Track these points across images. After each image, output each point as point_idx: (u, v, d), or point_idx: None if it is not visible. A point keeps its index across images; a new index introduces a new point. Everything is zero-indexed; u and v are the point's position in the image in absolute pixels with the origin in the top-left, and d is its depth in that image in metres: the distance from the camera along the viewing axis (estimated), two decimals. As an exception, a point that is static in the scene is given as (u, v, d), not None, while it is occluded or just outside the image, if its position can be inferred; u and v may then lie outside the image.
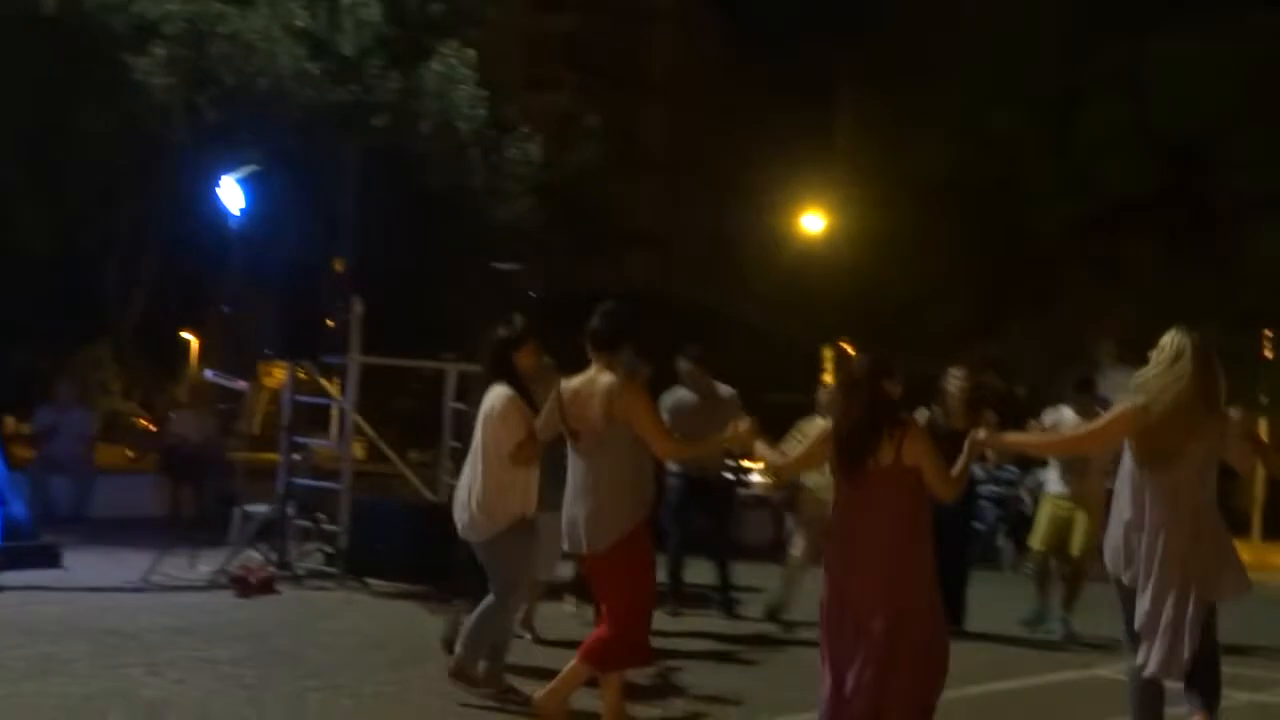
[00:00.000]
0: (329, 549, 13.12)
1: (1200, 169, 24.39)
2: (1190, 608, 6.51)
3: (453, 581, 8.86)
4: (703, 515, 12.47)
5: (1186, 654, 6.51)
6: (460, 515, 7.90)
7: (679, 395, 12.03)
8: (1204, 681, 6.65)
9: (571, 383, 7.12)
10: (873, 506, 6.49)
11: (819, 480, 11.63)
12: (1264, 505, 25.84)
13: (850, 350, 30.32)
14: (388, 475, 15.84)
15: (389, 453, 14.06)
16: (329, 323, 13.41)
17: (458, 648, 7.87)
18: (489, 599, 7.80)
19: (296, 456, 13.67)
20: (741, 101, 28.36)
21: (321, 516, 13.43)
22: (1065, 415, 11.44)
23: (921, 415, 10.89)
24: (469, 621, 7.87)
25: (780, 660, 10.18)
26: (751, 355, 25.55)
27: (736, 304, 27.44)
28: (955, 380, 11.16)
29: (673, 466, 10.15)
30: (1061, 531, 11.76)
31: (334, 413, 15.26)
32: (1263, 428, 24.18)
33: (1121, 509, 6.68)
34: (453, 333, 10.86)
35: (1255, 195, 24.19)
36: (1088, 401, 11.34)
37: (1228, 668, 10.02)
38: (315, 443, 15.19)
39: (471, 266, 17.12)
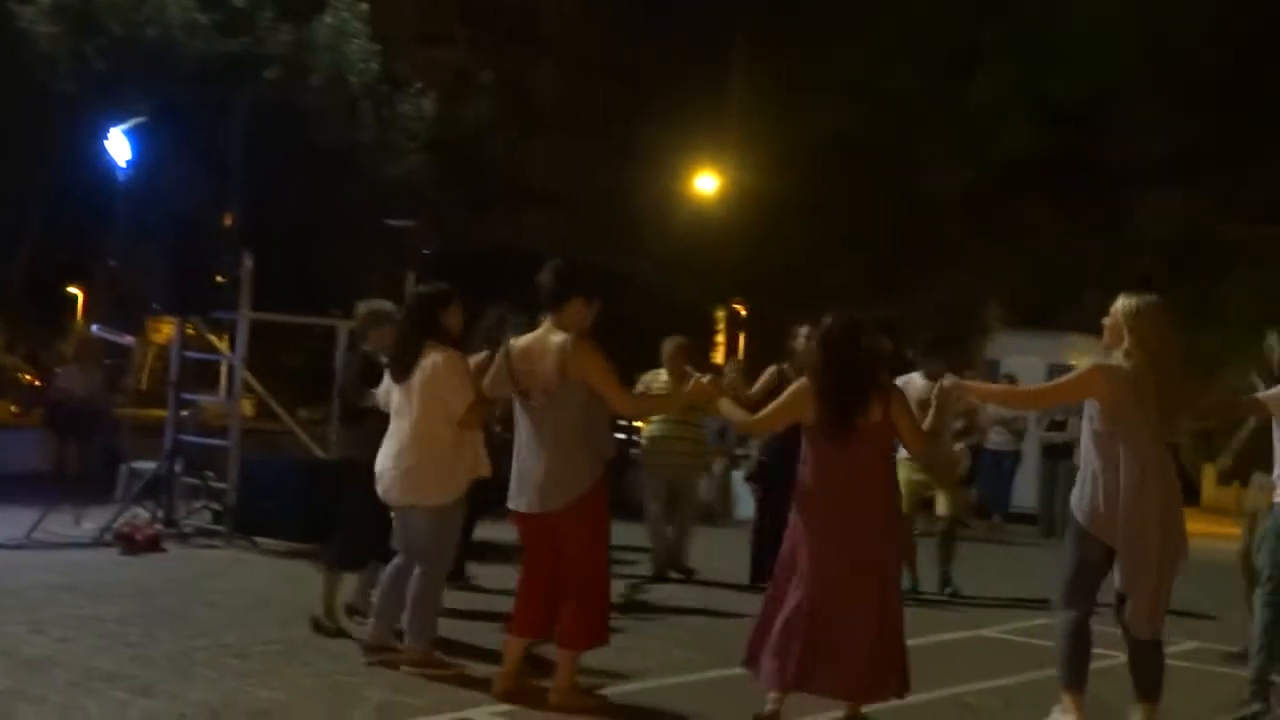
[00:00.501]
0: (217, 507, 12.98)
1: (1093, 133, 24.73)
2: (1169, 568, 6.69)
3: (339, 547, 8.60)
4: None
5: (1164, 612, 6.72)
6: (397, 483, 7.58)
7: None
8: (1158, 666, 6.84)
9: (521, 341, 7.02)
10: (861, 465, 6.72)
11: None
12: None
13: (742, 310, 30.48)
14: (277, 433, 15.70)
15: (279, 410, 13.93)
16: (218, 278, 13.25)
17: (407, 638, 7.57)
18: (419, 573, 7.55)
19: (184, 413, 13.52)
20: (637, 60, 28.25)
21: (209, 474, 13.30)
22: (914, 380, 11.28)
23: (770, 372, 11.16)
24: (408, 610, 7.57)
25: (668, 621, 10.25)
26: (646, 316, 25.54)
27: (632, 264, 27.39)
28: (801, 338, 11.45)
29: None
30: (920, 494, 11.82)
31: (223, 369, 15.08)
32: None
33: (1094, 468, 6.76)
34: (343, 289, 10.74)
35: (1147, 161, 24.57)
36: (936, 364, 11.26)
37: (1054, 619, 10.34)
38: (204, 399, 15.02)
39: (363, 222, 16.97)
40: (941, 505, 12.06)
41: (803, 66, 26.41)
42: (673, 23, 28.29)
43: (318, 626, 8.35)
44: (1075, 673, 6.90)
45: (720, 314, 30.85)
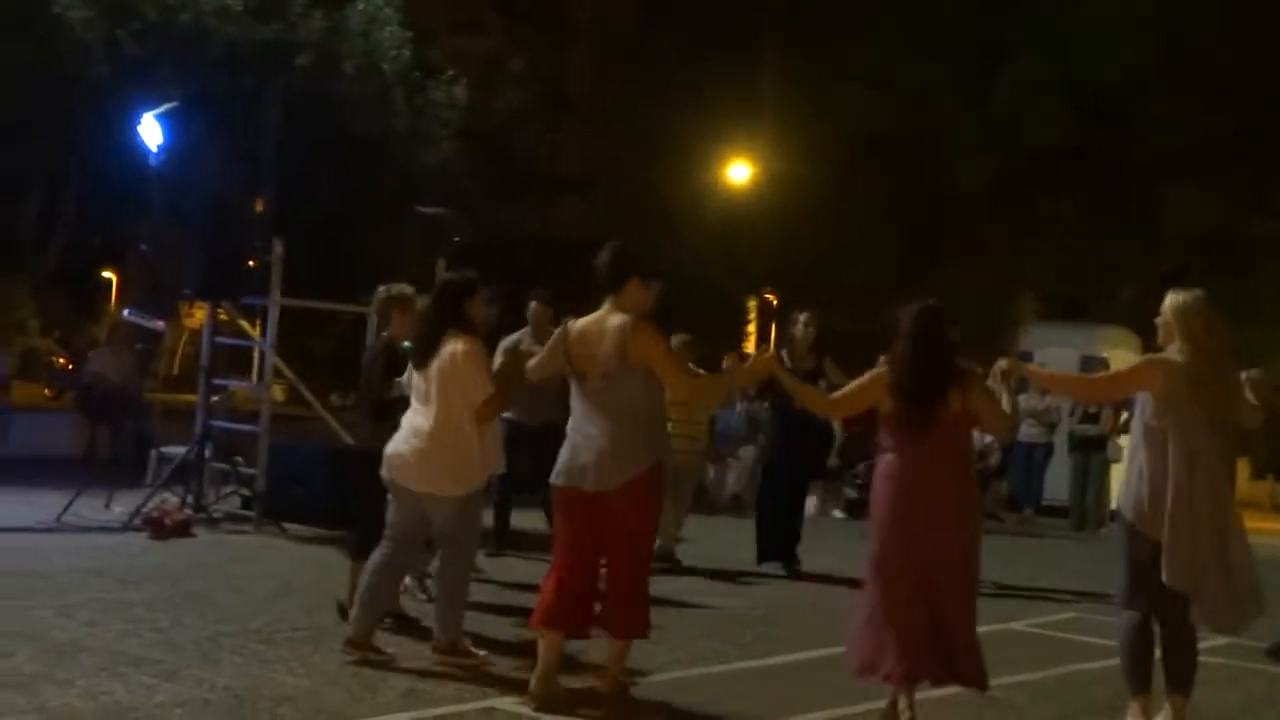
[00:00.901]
0: (246, 492, 13.03)
1: (1122, 126, 24.60)
2: (1230, 562, 6.69)
3: (361, 537, 8.37)
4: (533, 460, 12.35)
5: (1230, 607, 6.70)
6: (413, 470, 7.46)
7: (514, 339, 11.33)
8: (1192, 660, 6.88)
9: (578, 323, 6.99)
10: (943, 456, 6.72)
11: None
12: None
13: (773, 300, 30.40)
14: (307, 419, 15.73)
15: (309, 396, 13.95)
16: (249, 263, 13.28)
17: (436, 627, 7.53)
18: (445, 563, 7.52)
19: (215, 398, 13.56)
20: (669, 49, 28.20)
21: (239, 459, 13.35)
22: None
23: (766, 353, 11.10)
24: (438, 604, 7.57)
25: (685, 612, 10.24)
26: (678, 305, 25.49)
27: (663, 253, 27.36)
28: (800, 325, 11.86)
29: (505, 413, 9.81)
30: None
31: (254, 355, 15.12)
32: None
33: (1141, 463, 6.80)
34: (375, 276, 10.72)
35: (1175, 153, 24.42)
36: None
37: (1084, 614, 10.24)
38: (234, 384, 15.06)
39: (395, 209, 16.98)
40: None
41: (832, 57, 26.32)
42: (705, 11, 28.21)
43: (344, 613, 8.30)
44: (1138, 675, 6.88)
45: (752, 303, 30.78)
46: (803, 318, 11.87)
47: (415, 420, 7.56)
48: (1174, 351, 6.78)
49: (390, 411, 8.26)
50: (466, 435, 7.40)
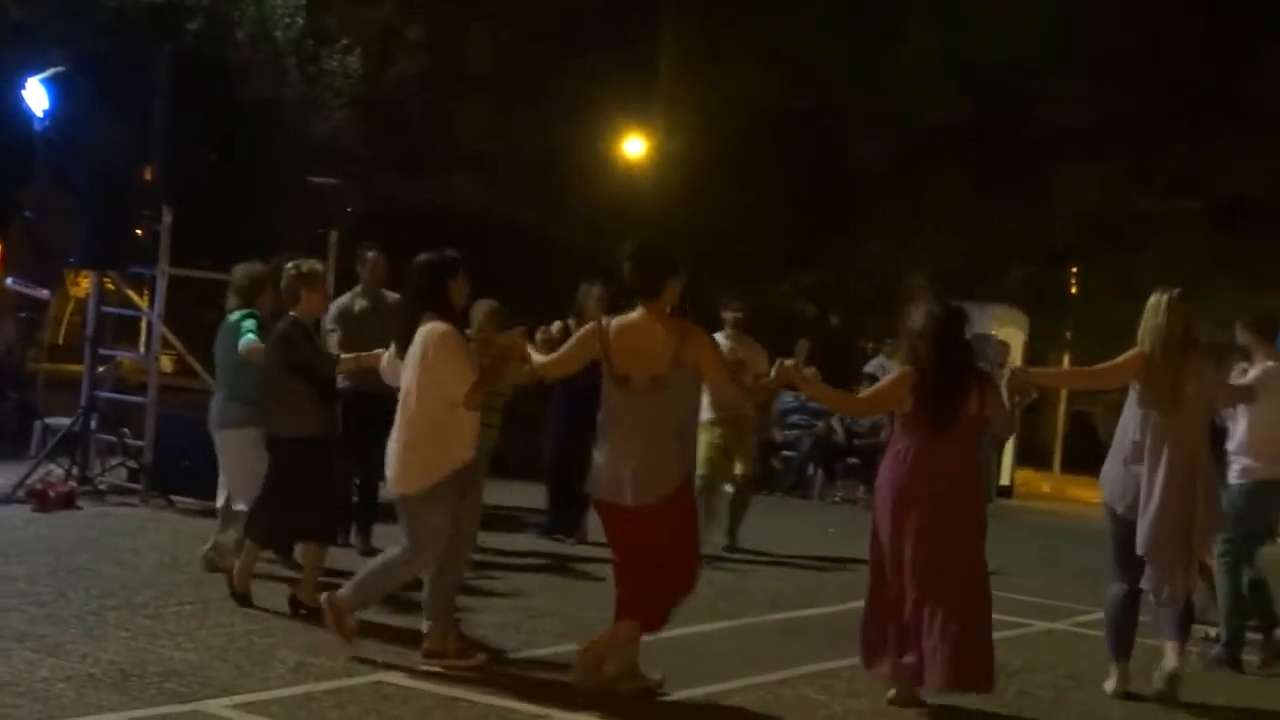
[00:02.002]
0: (133, 464, 12.85)
1: (1012, 104, 24.89)
2: (1189, 541, 7.35)
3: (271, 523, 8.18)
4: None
5: (1186, 584, 7.37)
6: (390, 466, 7.15)
7: (345, 301, 11.03)
8: (1183, 614, 7.54)
9: (619, 322, 6.71)
10: (956, 456, 6.89)
11: None
12: (1064, 438, 26.67)
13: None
14: (196, 390, 15.51)
15: (198, 367, 13.75)
16: (137, 232, 13.07)
17: (348, 590, 7.13)
18: (398, 552, 7.13)
19: (101, 369, 13.34)
20: (568, 21, 28.06)
21: (125, 431, 13.16)
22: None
23: (557, 326, 11.08)
24: (367, 571, 7.26)
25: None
26: (572, 279, 25.47)
27: (559, 226, 27.25)
28: (593, 298, 11.83)
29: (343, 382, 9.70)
30: (720, 458, 11.71)
31: (142, 325, 14.89)
32: (1066, 361, 24.95)
33: (1123, 446, 7.40)
34: (266, 246, 10.59)
35: (1064, 133, 24.77)
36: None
37: (1025, 596, 10.42)
38: (121, 355, 14.83)
39: (286, 179, 16.76)
40: (738, 466, 12.14)
41: (729, 33, 26.36)
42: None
43: (240, 597, 8.12)
44: (1121, 641, 7.54)
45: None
46: (595, 290, 11.73)
47: (401, 419, 7.12)
48: (1157, 344, 7.33)
49: (330, 393, 8.14)
50: (434, 424, 6.99)
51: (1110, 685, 7.54)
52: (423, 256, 7.19)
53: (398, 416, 7.12)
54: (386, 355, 7.48)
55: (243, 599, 8.10)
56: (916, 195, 25.92)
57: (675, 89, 28.08)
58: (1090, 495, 16.95)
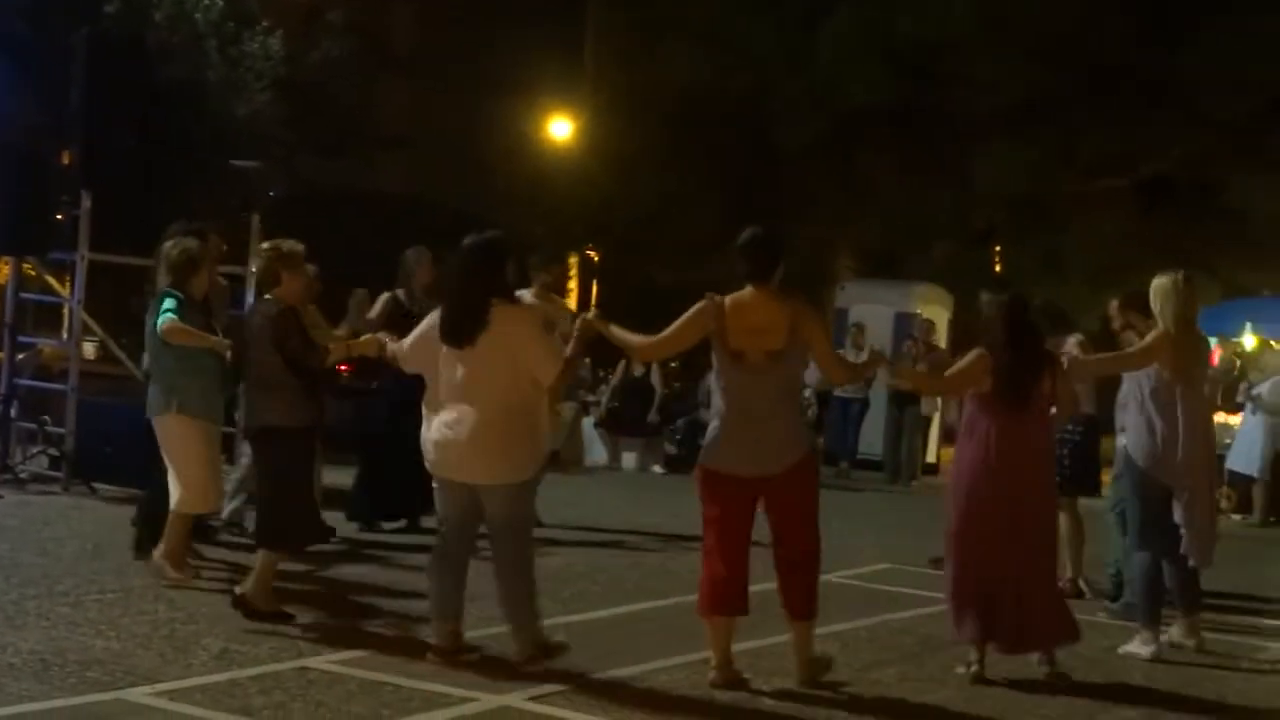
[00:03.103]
0: (54, 452, 12.71)
1: (938, 85, 25.02)
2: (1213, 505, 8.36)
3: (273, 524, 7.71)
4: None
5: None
6: (476, 461, 6.77)
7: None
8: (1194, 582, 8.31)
9: (732, 300, 6.81)
10: (1033, 435, 7.43)
11: None
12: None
13: (595, 256, 30.41)
14: (119, 377, 15.36)
15: (120, 354, 13.62)
16: (57, 217, 12.91)
17: (517, 634, 6.91)
18: (513, 553, 6.90)
19: (21, 356, 13.19)
20: (493, 3, 27.95)
21: (46, 419, 13.01)
22: None
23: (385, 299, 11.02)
24: (507, 607, 6.96)
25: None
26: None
27: (485, 208, 27.19)
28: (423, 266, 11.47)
29: None
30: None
31: (65, 311, 14.73)
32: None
33: (1149, 419, 8.07)
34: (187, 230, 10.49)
35: (989, 113, 24.93)
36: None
37: (896, 565, 10.53)
38: (42, 342, 14.65)
39: (207, 163, 16.61)
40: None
41: (657, 14, 26.35)
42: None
43: (250, 612, 7.45)
44: (1152, 610, 8.10)
45: (573, 260, 30.78)
46: (424, 257, 11.42)
47: (460, 407, 6.79)
48: (1170, 326, 7.99)
49: (313, 380, 7.75)
50: (531, 413, 6.84)
51: (1150, 650, 8.04)
52: (474, 239, 6.91)
53: (457, 411, 6.79)
54: (407, 341, 7.15)
55: (279, 616, 7.50)
56: (844, 176, 26.04)
57: (602, 70, 28.09)
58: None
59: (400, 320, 9.86)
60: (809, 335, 6.84)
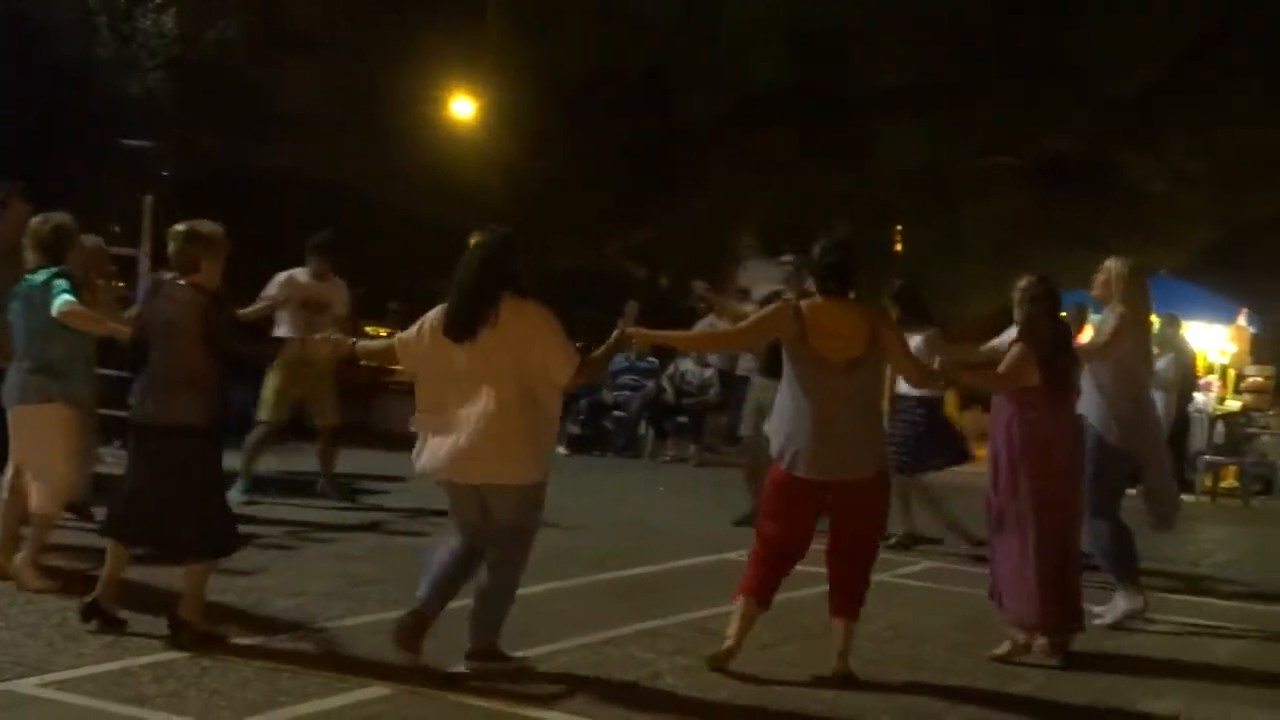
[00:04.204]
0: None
1: (839, 64, 25.12)
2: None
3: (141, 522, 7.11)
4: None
5: None
6: (482, 461, 6.51)
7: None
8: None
9: (810, 305, 6.91)
10: (1068, 412, 7.77)
11: None
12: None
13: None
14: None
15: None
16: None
17: (474, 636, 6.59)
18: (505, 558, 6.63)
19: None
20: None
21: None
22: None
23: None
24: (483, 600, 6.64)
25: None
26: (400, 242, 25.26)
27: (387, 189, 26.94)
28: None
29: None
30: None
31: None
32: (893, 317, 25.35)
33: (1123, 394, 8.62)
34: (81, 210, 10.25)
35: (887, 92, 25.08)
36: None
37: None
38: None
39: (99, 142, 16.31)
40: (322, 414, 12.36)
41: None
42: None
43: (94, 614, 7.01)
44: (1128, 564, 8.68)
45: (475, 240, 30.58)
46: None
47: (465, 407, 6.52)
48: (1123, 309, 8.52)
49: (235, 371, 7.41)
50: (540, 412, 6.60)
51: (1139, 602, 8.60)
52: (486, 234, 6.73)
53: (460, 407, 6.53)
54: (408, 337, 6.78)
55: (113, 620, 7.00)
56: (745, 155, 26.09)
57: (504, 49, 27.89)
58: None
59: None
60: (889, 342, 6.97)
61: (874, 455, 6.94)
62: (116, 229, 9.95)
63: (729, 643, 6.93)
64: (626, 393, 18.95)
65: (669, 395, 18.56)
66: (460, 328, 6.51)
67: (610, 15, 25.59)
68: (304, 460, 12.91)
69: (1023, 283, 7.80)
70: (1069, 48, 25.18)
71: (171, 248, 7.14)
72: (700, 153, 26.23)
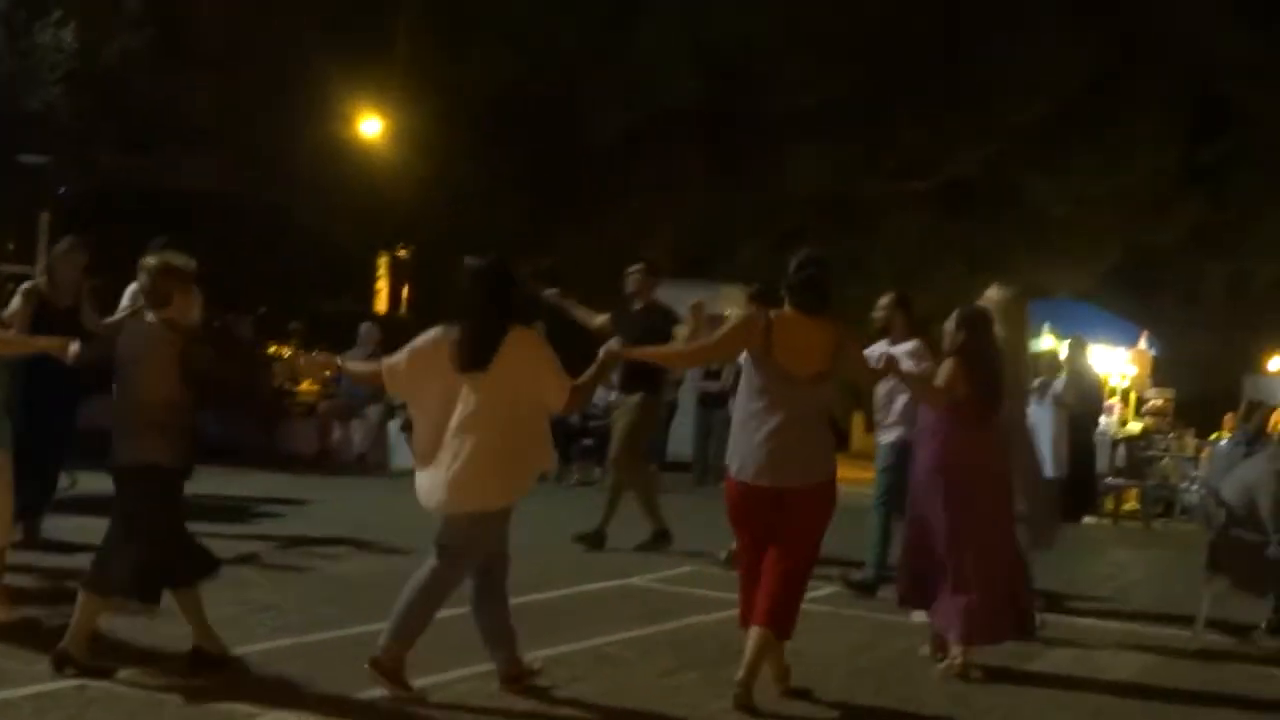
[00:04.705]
0: None
1: (746, 85, 25.22)
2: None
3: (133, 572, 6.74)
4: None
5: None
6: (477, 487, 6.49)
7: None
8: None
9: (779, 317, 6.97)
10: (996, 429, 7.99)
11: None
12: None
13: (405, 256, 30.03)
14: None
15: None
16: None
17: (389, 637, 6.56)
18: (434, 568, 6.58)
19: None
20: (302, -1, 27.42)
21: None
22: None
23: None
24: (404, 606, 6.61)
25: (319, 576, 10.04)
26: (307, 261, 25.03)
27: (294, 208, 26.69)
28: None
29: None
30: None
31: None
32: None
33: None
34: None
35: (795, 115, 25.21)
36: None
37: (701, 568, 10.61)
38: None
39: (-4, 159, 16.02)
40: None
41: (467, 10, 26.13)
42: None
43: (66, 662, 6.62)
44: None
45: (383, 260, 30.36)
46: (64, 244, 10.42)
47: (467, 435, 6.48)
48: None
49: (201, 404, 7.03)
50: (534, 437, 6.64)
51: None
52: (482, 262, 6.68)
53: (468, 442, 6.48)
54: (398, 362, 6.67)
55: (94, 670, 6.63)
56: (653, 176, 26.10)
57: (413, 68, 27.75)
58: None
59: (44, 316, 9.42)
60: (851, 356, 7.19)
61: (826, 462, 7.04)
62: (11, 246, 9.70)
63: (740, 674, 6.87)
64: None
65: (574, 418, 18.45)
66: (475, 359, 6.49)
67: (518, 35, 25.56)
68: (202, 484, 12.67)
69: (955, 312, 8.13)
70: (973, 75, 25.45)
71: (142, 280, 6.92)
72: (609, 173, 26.23)
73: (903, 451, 9.72)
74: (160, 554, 6.77)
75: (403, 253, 30.10)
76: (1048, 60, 24.93)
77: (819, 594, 10.26)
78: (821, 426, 7.10)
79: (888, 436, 10.45)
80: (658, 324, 11.86)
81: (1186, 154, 29.12)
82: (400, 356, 6.71)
